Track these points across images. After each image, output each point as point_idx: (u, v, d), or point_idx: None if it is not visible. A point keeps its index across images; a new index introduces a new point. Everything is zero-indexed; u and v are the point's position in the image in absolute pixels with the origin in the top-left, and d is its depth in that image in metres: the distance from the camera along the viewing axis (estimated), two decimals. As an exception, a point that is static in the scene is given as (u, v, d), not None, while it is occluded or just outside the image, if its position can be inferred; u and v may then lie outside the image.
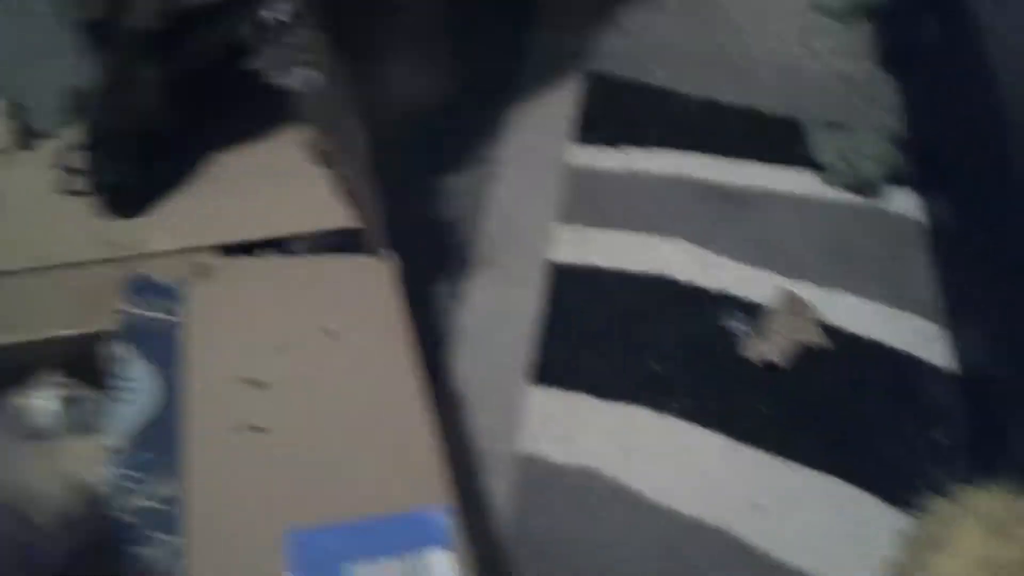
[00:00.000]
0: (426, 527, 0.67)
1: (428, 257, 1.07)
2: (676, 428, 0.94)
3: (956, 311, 1.03)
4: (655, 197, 1.14)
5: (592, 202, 1.13)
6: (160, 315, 0.77)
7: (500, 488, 0.89)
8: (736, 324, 1.02)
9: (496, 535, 0.86)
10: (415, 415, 0.73)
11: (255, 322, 0.78)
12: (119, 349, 0.75)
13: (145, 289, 0.79)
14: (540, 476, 0.90)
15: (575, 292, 1.05)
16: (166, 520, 0.66)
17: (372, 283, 0.81)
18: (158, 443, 0.70)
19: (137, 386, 0.73)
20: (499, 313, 1.02)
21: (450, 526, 0.67)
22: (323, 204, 0.86)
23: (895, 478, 0.92)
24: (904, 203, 1.15)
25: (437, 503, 0.68)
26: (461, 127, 1.19)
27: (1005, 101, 1.03)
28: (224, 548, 0.65)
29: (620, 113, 1.22)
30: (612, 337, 1.01)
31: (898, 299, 1.06)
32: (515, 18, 1.29)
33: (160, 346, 0.75)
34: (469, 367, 0.98)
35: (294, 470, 0.69)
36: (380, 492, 0.69)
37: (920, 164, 1.17)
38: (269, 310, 0.79)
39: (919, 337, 1.02)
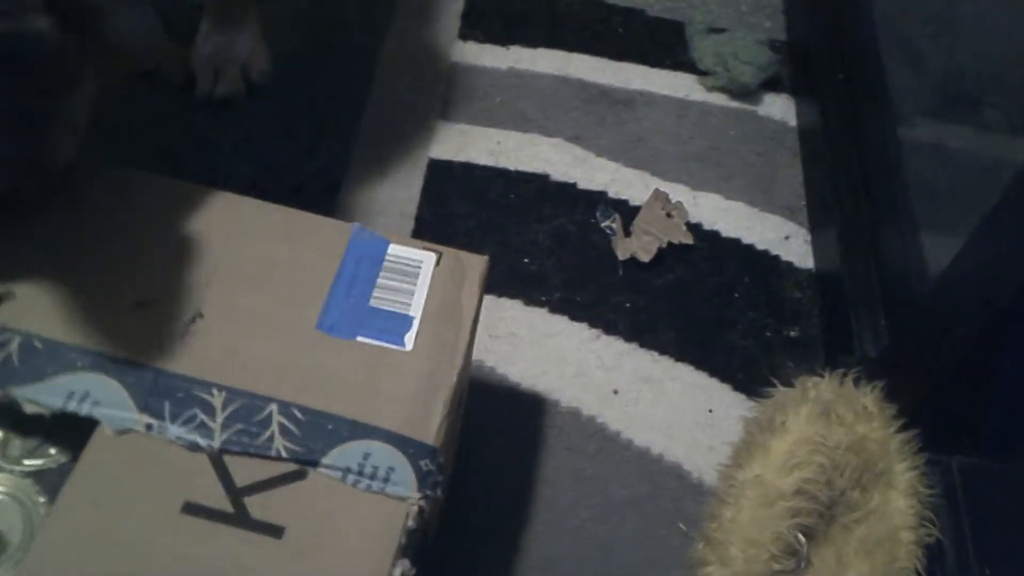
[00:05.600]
0: (363, 245, 0.68)
1: (307, 151, 1.08)
2: (544, 319, 0.98)
3: (816, 213, 1.08)
4: (538, 96, 1.16)
5: (475, 100, 1.15)
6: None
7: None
8: (608, 223, 1.05)
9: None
10: None
11: None
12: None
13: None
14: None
15: (451, 188, 1.07)
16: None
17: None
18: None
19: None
20: (376, 210, 1.04)
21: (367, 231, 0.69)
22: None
23: (748, 369, 0.97)
24: (778, 107, 1.18)
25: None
26: (345, 22, 1.18)
27: (874, 6, 1.06)
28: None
29: (506, 10, 1.22)
30: (486, 233, 1.04)
31: (765, 201, 1.10)
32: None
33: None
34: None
35: None
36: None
37: (795, 69, 1.20)
38: None
39: (781, 237, 1.07)
